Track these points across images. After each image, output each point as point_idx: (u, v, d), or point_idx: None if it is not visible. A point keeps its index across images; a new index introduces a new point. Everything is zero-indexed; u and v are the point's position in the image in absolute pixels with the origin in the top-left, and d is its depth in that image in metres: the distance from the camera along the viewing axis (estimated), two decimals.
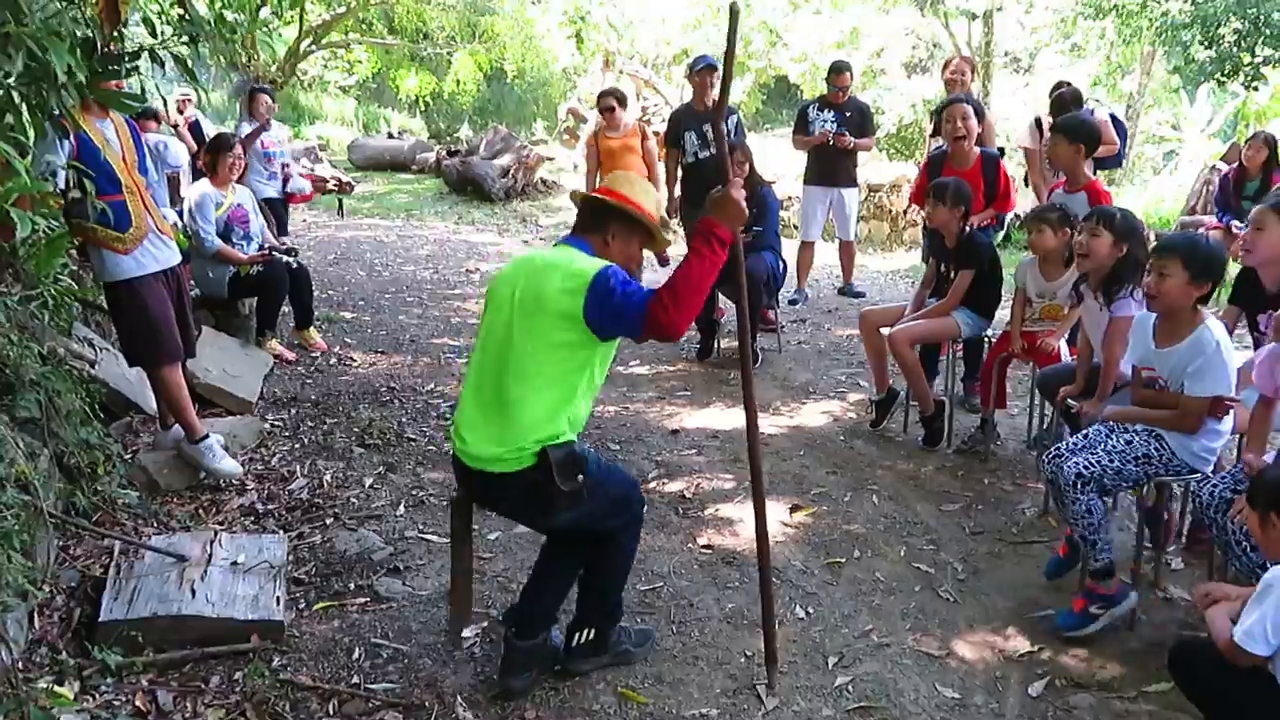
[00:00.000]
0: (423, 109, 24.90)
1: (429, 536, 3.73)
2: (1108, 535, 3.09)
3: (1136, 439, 3.13)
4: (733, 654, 3.01)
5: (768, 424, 5.03)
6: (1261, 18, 10.17)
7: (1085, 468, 3.05)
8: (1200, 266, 2.99)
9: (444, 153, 16.13)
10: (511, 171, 14.13)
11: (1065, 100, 6.10)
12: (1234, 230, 6.77)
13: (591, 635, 2.83)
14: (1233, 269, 3.71)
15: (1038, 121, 6.26)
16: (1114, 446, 3.12)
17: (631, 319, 2.48)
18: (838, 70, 7.50)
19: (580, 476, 2.59)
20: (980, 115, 6.44)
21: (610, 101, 7.24)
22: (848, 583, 3.46)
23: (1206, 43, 10.82)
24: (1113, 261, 3.65)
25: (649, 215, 2.73)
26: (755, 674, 2.90)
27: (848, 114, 7.46)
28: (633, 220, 2.71)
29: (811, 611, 3.27)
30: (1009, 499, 4.14)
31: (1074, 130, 4.58)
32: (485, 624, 3.11)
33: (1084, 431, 3.36)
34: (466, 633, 3.08)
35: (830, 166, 7.56)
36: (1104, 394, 3.55)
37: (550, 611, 2.88)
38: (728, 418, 5.08)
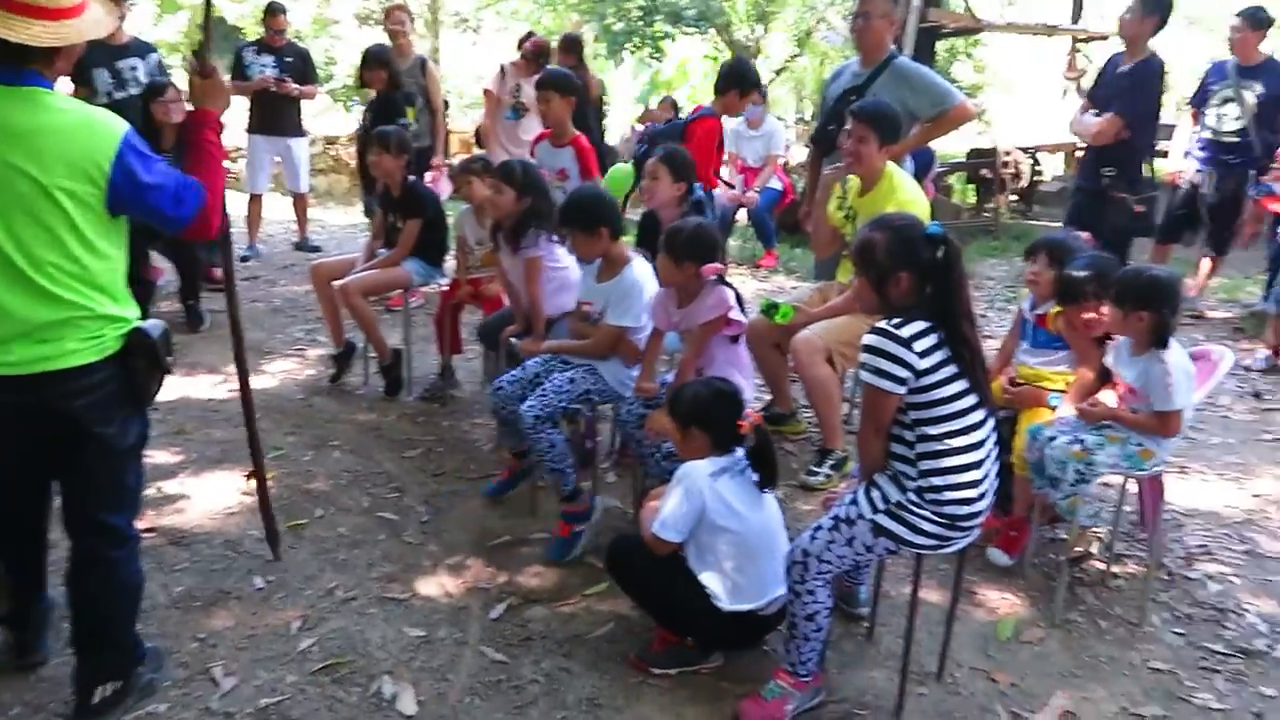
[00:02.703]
0: None
1: None
2: (570, 462, 3.33)
3: (578, 376, 3.39)
4: (183, 640, 2.77)
5: (220, 390, 4.71)
6: None
7: (541, 410, 3.26)
8: (586, 220, 3.33)
9: None
10: None
11: (544, 48, 6.38)
12: None
13: (118, 686, 2.41)
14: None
15: (502, 68, 6.48)
16: (559, 386, 3.34)
17: (187, 210, 2.24)
18: (273, 12, 7.12)
19: (170, 356, 2.32)
20: (423, 69, 6.54)
21: None
22: (311, 543, 3.37)
23: (618, 16, 12.15)
24: (517, 211, 3.93)
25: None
26: (209, 656, 2.70)
27: (288, 59, 7.13)
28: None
29: (273, 579, 3.13)
30: (467, 438, 4.32)
31: (568, 85, 4.72)
32: None
33: (523, 365, 3.59)
34: None
35: (274, 114, 7.18)
36: (538, 331, 3.82)
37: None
38: (172, 386, 4.61)
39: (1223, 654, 2.92)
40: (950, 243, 2.38)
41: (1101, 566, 3.33)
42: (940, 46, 11.89)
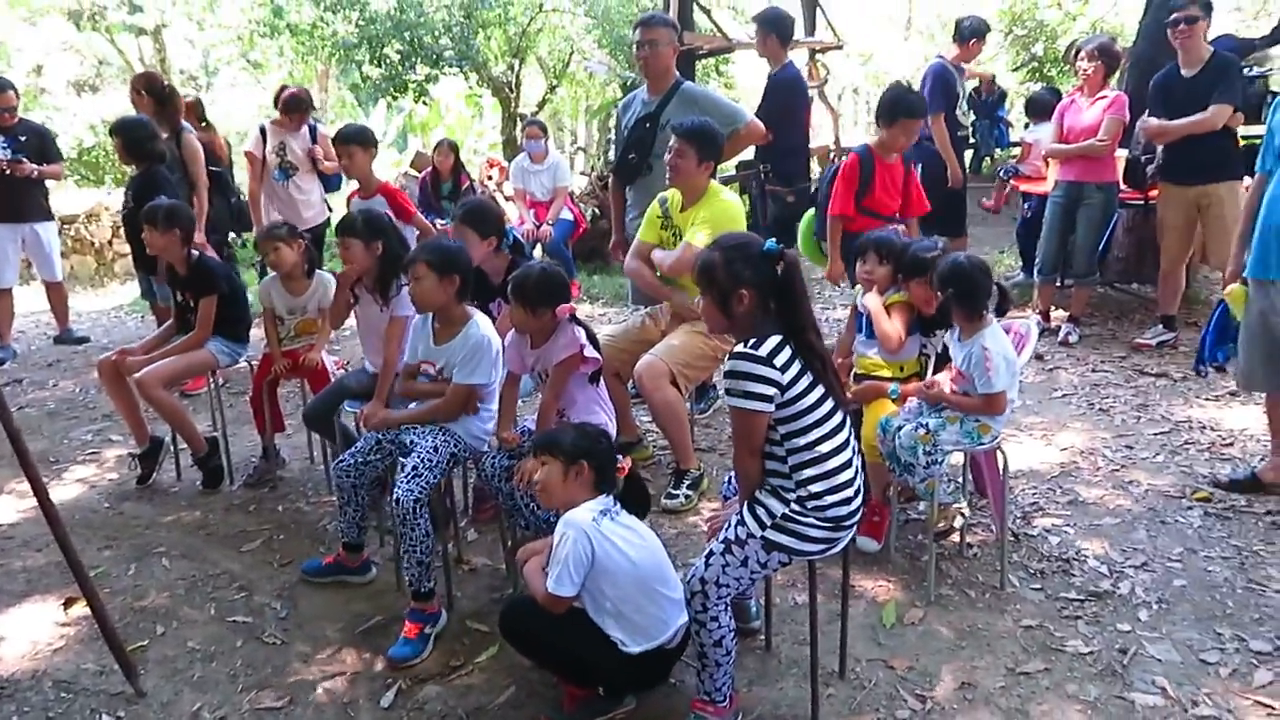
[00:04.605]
0: None
1: None
2: (431, 558, 3.10)
3: (439, 442, 3.20)
4: None
5: (7, 512, 4.18)
6: (416, 40, 11.47)
7: (420, 492, 3.06)
8: (442, 263, 3.19)
9: None
10: None
11: (302, 100, 6.22)
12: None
13: None
14: None
15: (262, 129, 6.16)
16: (427, 460, 3.13)
17: None
18: (0, 89, 6.44)
19: None
20: (179, 140, 6.05)
21: None
22: (159, 665, 3.03)
23: (376, 62, 11.85)
24: (373, 262, 3.73)
25: None
26: None
27: (23, 138, 6.48)
28: None
29: (123, 714, 2.79)
30: (307, 520, 4.05)
31: (366, 139, 4.68)
32: None
33: (365, 438, 3.39)
34: None
35: (13, 198, 6.50)
36: (382, 394, 3.61)
37: None
38: None
39: (1078, 600, 3.17)
40: (788, 257, 2.47)
41: (956, 539, 3.54)
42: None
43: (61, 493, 4.37)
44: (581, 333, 3.18)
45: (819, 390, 2.44)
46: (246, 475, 4.42)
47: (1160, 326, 5.89)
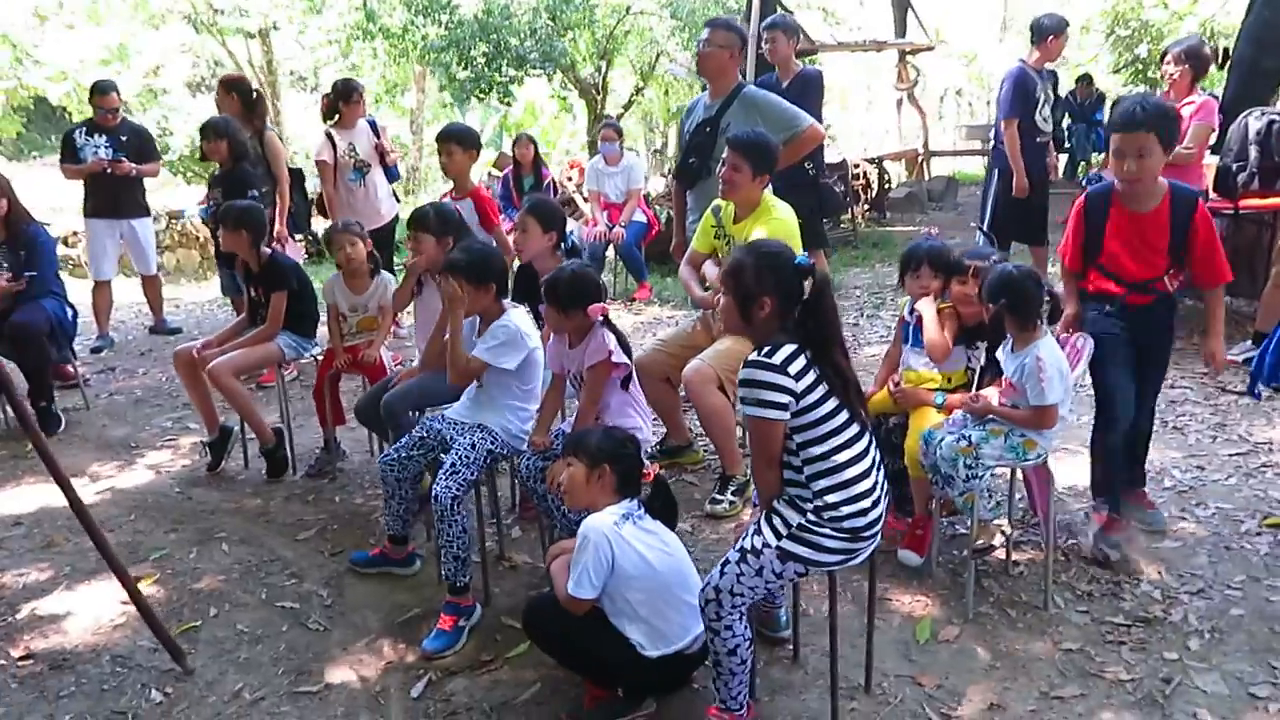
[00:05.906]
0: None
1: None
2: (469, 553, 3.20)
3: (476, 439, 3.28)
4: None
5: (86, 493, 4.39)
6: (502, 43, 11.68)
7: (457, 489, 3.13)
8: (477, 273, 3.28)
9: None
10: None
11: (354, 82, 6.45)
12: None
13: None
14: None
15: (328, 134, 6.35)
16: (465, 457, 3.20)
17: None
18: (102, 91, 6.80)
19: None
20: (261, 137, 6.27)
21: None
22: (208, 645, 3.18)
23: (463, 64, 12.10)
24: (442, 255, 3.83)
25: None
26: None
27: (123, 138, 6.82)
28: None
29: (171, 691, 2.94)
30: (361, 511, 4.17)
31: (467, 139, 4.70)
32: None
33: (409, 434, 3.49)
34: None
35: (113, 196, 6.85)
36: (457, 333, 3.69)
37: None
38: (34, 496, 4.33)
39: (1124, 625, 3.06)
40: (819, 274, 2.45)
41: (1002, 556, 3.45)
42: None
43: (136, 477, 4.61)
44: (611, 338, 3.20)
45: (834, 400, 2.42)
46: (308, 466, 4.58)
47: (1250, 343, 5.60)
